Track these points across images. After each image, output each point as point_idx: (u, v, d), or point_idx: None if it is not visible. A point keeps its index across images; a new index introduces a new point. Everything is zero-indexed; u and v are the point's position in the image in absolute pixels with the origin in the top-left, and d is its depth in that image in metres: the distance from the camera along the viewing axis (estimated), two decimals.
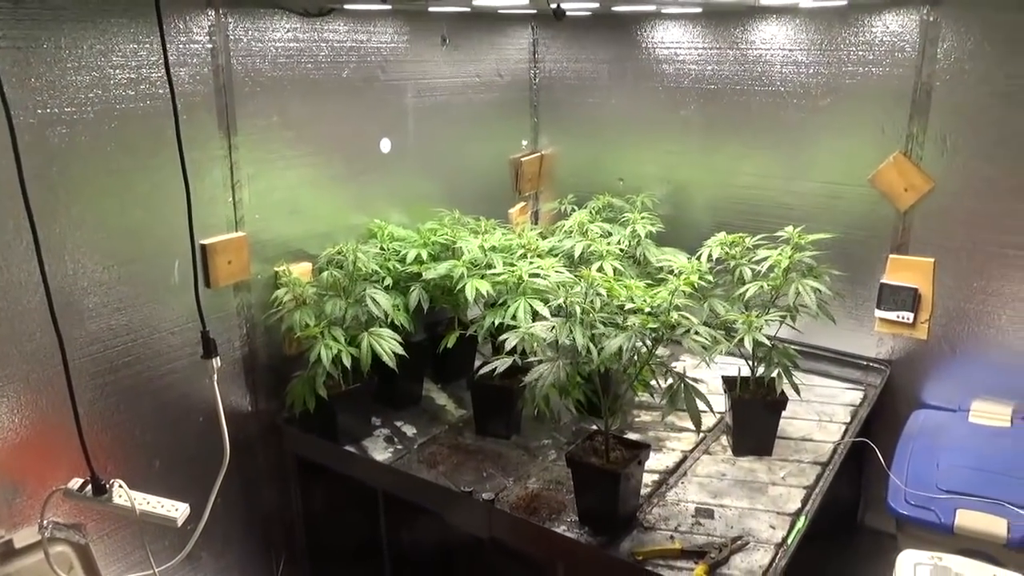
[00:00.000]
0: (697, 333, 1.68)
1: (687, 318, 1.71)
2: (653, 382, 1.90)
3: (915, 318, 2.52)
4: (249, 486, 2.32)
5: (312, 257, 2.36)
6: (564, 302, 1.68)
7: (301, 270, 2.32)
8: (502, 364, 1.79)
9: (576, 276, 1.83)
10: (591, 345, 1.63)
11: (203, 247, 2.05)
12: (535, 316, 2.03)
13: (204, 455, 2.05)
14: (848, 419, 2.43)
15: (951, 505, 2.02)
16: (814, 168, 2.62)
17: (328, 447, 2.24)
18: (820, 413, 2.46)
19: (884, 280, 2.54)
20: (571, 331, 1.63)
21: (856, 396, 2.58)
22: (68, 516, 1.83)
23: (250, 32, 2.06)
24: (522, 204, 3.15)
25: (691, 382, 1.69)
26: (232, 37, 2.02)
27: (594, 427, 1.95)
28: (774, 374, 2.00)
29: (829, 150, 2.59)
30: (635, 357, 1.68)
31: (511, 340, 1.73)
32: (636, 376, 1.75)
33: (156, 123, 1.86)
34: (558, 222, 2.63)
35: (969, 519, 1.96)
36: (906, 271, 2.51)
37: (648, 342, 1.67)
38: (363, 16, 2.37)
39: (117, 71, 1.80)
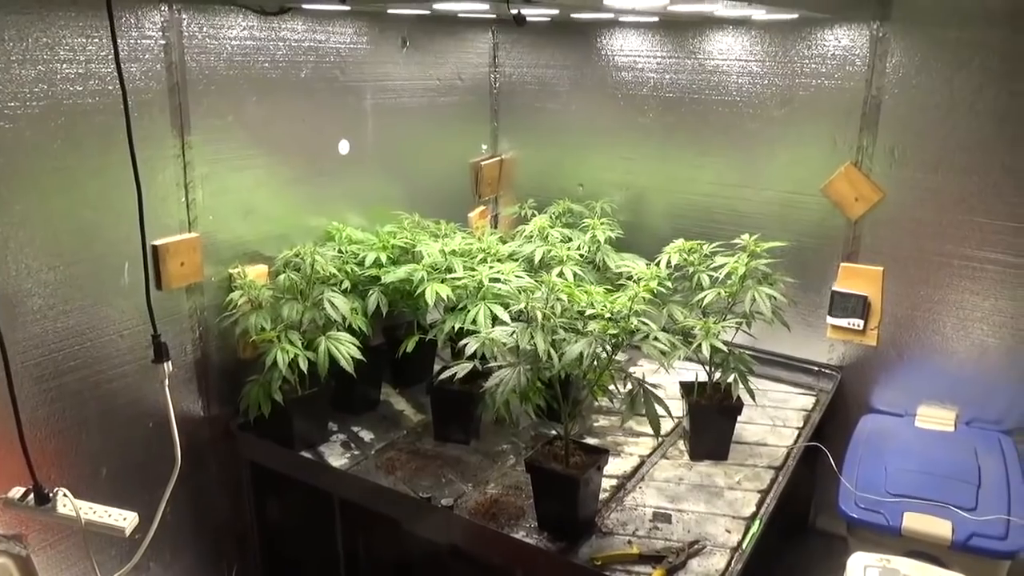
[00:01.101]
0: (656, 339, 1.70)
1: (646, 323, 1.72)
2: (612, 387, 1.91)
3: (865, 325, 2.58)
4: (201, 494, 2.26)
5: (268, 259, 2.32)
6: (525, 307, 1.67)
7: (257, 272, 2.27)
8: (462, 369, 1.78)
9: (537, 281, 1.82)
10: (552, 351, 1.63)
11: (155, 248, 1.99)
12: (495, 321, 2.03)
13: (154, 462, 2.00)
14: (801, 424, 2.48)
15: (899, 508, 2.07)
16: (769, 177, 2.67)
17: (283, 453, 2.20)
18: (774, 418, 2.50)
19: (835, 288, 2.60)
20: (532, 337, 1.63)
21: (808, 401, 2.64)
22: (8, 526, 1.76)
23: (205, 29, 2.02)
24: (482, 208, 3.14)
25: (650, 388, 1.70)
26: (186, 33, 1.98)
27: (553, 432, 1.96)
28: (730, 379, 2.02)
29: (784, 160, 2.64)
30: (595, 363, 1.68)
31: (471, 345, 1.72)
32: (596, 382, 1.75)
33: (106, 120, 1.81)
34: (518, 227, 2.63)
35: (916, 521, 2.01)
36: (856, 279, 2.57)
37: (608, 348, 1.68)
38: (321, 16, 2.34)
39: (64, 65, 1.74)
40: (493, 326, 1.97)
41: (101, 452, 1.96)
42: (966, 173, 2.32)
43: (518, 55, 3.08)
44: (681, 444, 2.31)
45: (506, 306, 2.01)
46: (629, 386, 1.70)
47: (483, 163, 3.12)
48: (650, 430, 1.77)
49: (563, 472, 1.82)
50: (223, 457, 2.30)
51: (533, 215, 2.76)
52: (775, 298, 2.03)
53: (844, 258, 2.59)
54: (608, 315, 1.64)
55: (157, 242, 1.99)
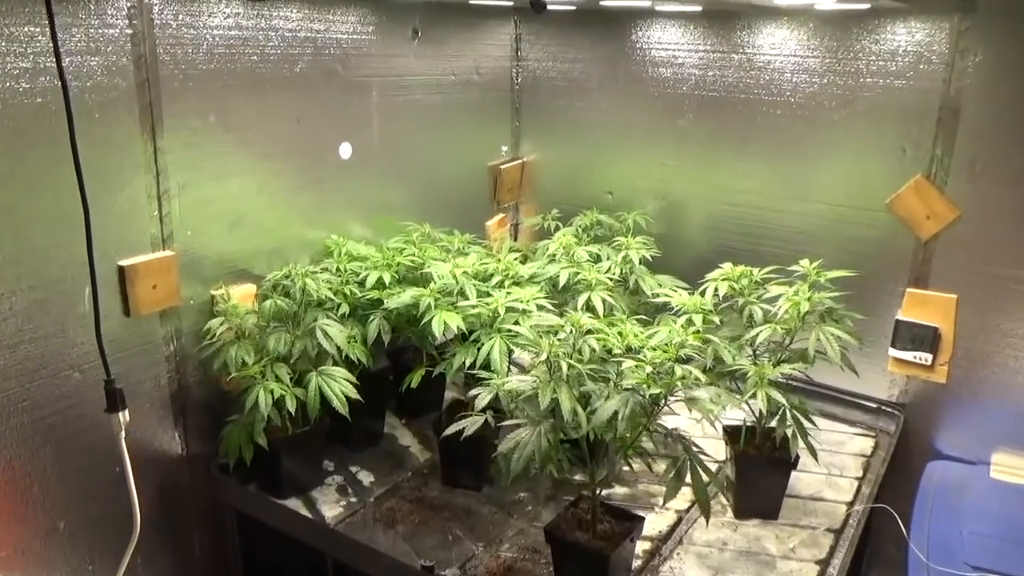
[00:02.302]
0: (703, 395, 1.40)
1: (691, 372, 1.43)
2: (647, 442, 1.61)
3: (934, 359, 2.27)
4: (178, 544, 2.00)
5: (257, 278, 2.05)
6: (548, 355, 1.38)
7: (243, 293, 2.01)
8: (472, 424, 1.50)
9: (560, 313, 1.53)
10: (579, 409, 1.34)
11: (121, 269, 1.73)
12: (511, 357, 1.75)
13: (120, 513, 1.73)
14: (860, 472, 2.17)
15: None
16: (824, 189, 2.36)
17: (267, 503, 1.93)
18: (828, 465, 2.19)
19: (900, 317, 2.28)
20: (555, 391, 1.34)
21: (867, 444, 2.33)
22: None
23: (180, 16, 1.74)
24: (500, 216, 2.86)
25: (697, 452, 1.41)
26: (158, 22, 1.70)
27: (577, 478, 1.66)
28: (787, 432, 1.72)
29: (842, 170, 2.32)
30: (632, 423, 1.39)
31: (483, 397, 1.43)
32: (630, 445, 1.46)
33: (61, 123, 1.53)
34: (541, 241, 2.35)
35: None
36: (925, 307, 2.26)
37: (647, 405, 1.39)
38: (319, 2, 2.06)
39: (8, 59, 1.47)
40: (509, 362, 1.70)
41: (58, 504, 1.71)
42: None
43: (543, 48, 2.78)
44: (722, 497, 2.01)
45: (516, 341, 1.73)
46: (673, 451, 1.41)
47: (503, 167, 2.83)
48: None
49: (589, 545, 1.54)
50: (204, 502, 2.04)
51: (557, 227, 2.47)
52: (841, 338, 1.72)
53: (911, 283, 2.27)
54: (648, 368, 1.35)
55: (124, 262, 1.73)
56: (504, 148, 2.86)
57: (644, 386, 1.36)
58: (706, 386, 1.42)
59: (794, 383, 1.91)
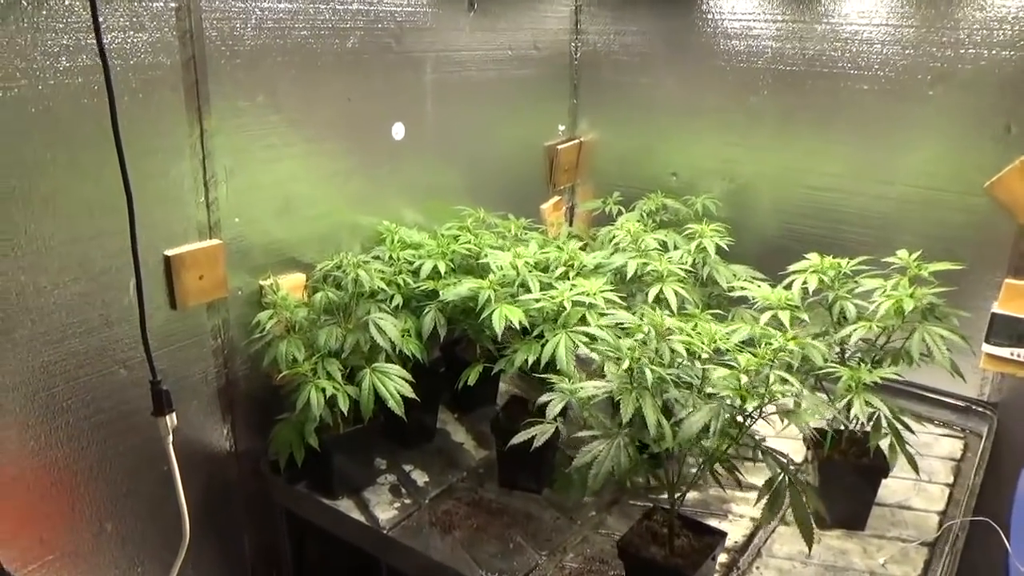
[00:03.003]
0: (802, 408, 1.26)
1: (788, 380, 1.28)
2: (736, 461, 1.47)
3: None
4: (227, 544, 1.93)
5: (307, 266, 1.95)
6: (629, 365, 1.25)
7: (293, 283, 1.91)
8: (542, 434, 1.37)
9: (629, 308, 1.40)
10: (663, 421, 1.21)
11: (167, 259, 1.64)
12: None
13: (169, 513, 1.66)
14: (950, 478, 2.01)
15: None
16: (913, 171, 2.17)
17: (318, 504, 1.84)
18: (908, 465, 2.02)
19: (996, 310, 2.09)
20: (638, 401, 1.21)
21: (956, 446, 2.16)
22: None
23: None
24: (556, 199, 2.71)
25: (797, 475, 1.27)
26: None
27: (640, 480, 1.53)
28: (883, 443, 1.57)
29: (934, 150, 2.13)
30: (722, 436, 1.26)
31: (555, 404, 1.31)
32: (718, 460, 1.32)
33: (104, 104, 1.43)
34: (601, 226, 2.20)
35: None
36: None
37: (740, 418, 1.25)
38: None
39: (47, 36, 1.37)
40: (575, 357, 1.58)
41: (104, 506, 1.64)
42: None
43: (604, 20, 2.61)
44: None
45: (593, 338, 1.60)
46: (768, 472, 1.27)
47: (560, 147, 2.68)
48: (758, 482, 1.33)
49: (666, 563, 1.42)
50: (254, 500, 1.96)
51: (620, 212, 2.33)
52: (948, 339, 1.55)
53: (1010, 273, 2.08)
54: (744, 379, 1.20)
55: (170, 252, 1.64)
56: (561, 127, 2.71)
57: (736, 396, 1.22)
58: (802, 395, 1.27)
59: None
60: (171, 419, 1.38)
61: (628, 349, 1.25)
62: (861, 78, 2.17)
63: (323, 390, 1.65)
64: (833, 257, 1.77)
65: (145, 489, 1.69)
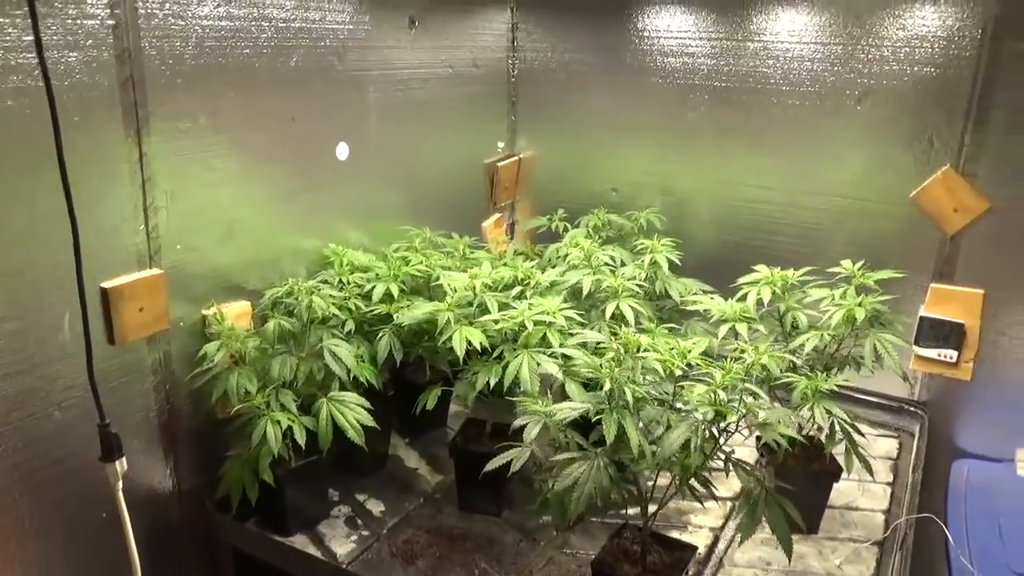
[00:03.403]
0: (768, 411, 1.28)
1: (758, 395, 1.31)
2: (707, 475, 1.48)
3: (959, 356, 2.19)
4: None
5: (251, 293, 1.87)
6: (610, 386, 1.24)
7: (238, 311, 1.82)
8: (518, 458, 1.35)
9: (608, 334, 1.40)
10: (643, 441, 1.21)
11: (104, 292, 1.53)
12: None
13: (109, 563, 1.56)
14: (890, 477, 2.10)
15: None
16: (843, 183, 2.27)
17: (270, 542, 1.76)
18: (858, 469, 2.10)
19: (924, 313, 2.21)
20: (620, 423, 1.21)
21: (891, 445, 2.25)
22: None
23: (167, 5, 1.55)
24: (497, 216, 2.70)
25: (771, 488, 1.29)
26: (142, 11, 1.50)
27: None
28: (838, 448, 1.62)
29: (863, 163, 2.23)
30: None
31: (532, 428, 1.29)
32: (692, 475, 1.33)
33: (34, 127, 1.34)
34: (542, 243, 2.21)
35: None
36: (950, 303, 2.18)
37: (716, 433, 1.26)
38: None
39: None
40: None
41: (38, 558, 1.51)
42: None
43: (540, 37, 2.62)
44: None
45: (556, 356, 1.59)
46: (740, 482, 1.29)
47: (499, 164, 2.67)
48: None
49: None
50: (200, 542, 1.86)
51: (566, 228, 2.33)
52: (898, 345, 1.62)
53: (935, 278, 2.20)
54: (720, 395, 1.22)
55: (107, 284, 1.54)
56: (500, 144, 2.71)
57: (710, 411, 1.24)
58: (771, 408, 1.30)
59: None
60: (121, 464, 1.28)
61: (606, 369, 1.25)
62: (792, 94, 2.26)
63: (279, 423, 1.58)
64: (770, 267, 1.82)
65: (85, 538, 1.57)
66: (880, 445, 2.25)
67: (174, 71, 1.58)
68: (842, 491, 2.00)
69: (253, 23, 1.73)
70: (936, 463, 2.24)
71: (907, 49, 2.08)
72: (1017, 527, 1.90)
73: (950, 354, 2.19)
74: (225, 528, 1.83)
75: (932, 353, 2.22)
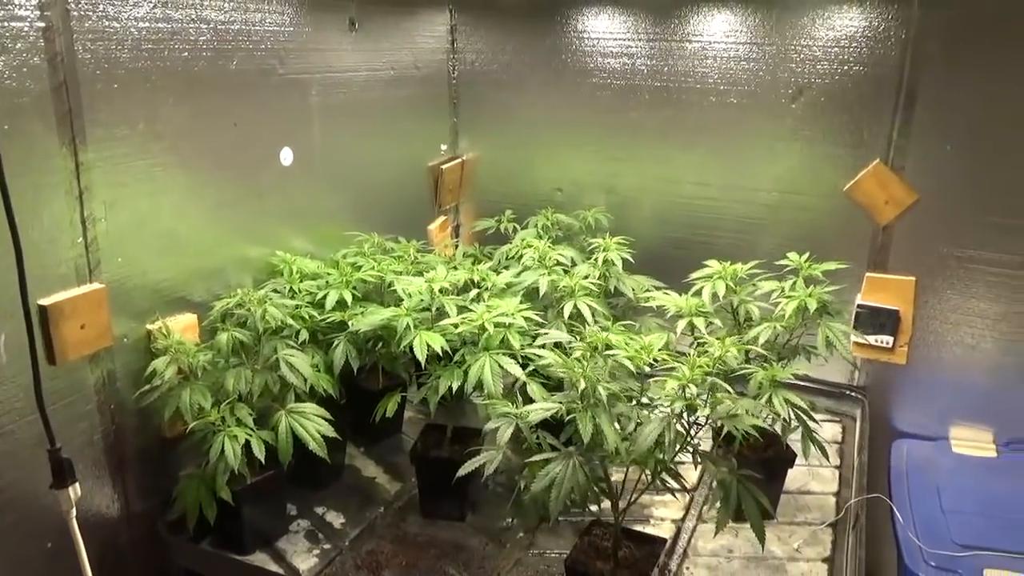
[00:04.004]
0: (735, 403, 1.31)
1: (727, 391, 1.33)
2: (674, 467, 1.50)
3: (895, 342, 2.29)
4: None
5: (196, 306, 1.80)
6: (584, 385, 1.25)
7: (184, 325, 1.75)
8: (491, 461, 1.34)
9: (576, 336, 1.40)
10: (619, 442, 1.22)
11: (42, 309, 1.45)
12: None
13: None
14: (837, 460, 2.17)
15: (975, 564, 1.79)
16: (780, 178, 2.34)
17: (229, 562, 1.70)
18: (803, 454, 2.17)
19: (861, 301, 2.30)
20: (595, 422, 1.21)
21: (835, 430, 2.34)
22: None
23: (101, 6, 1.47)
24: (443, 219, 2.68)
25: (745, 477, 1.32)
26: (75, 13, 1.43)
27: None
28: (795, 436, 1.67)
29: (797, 158, 2.31)
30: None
31: (504, 430, 1.28)
32: (664, 469, 1.35)
33: None
34: (487, 245, 2.21)
35: None
36: (884, 291, 2.28)
37: (685, 427, 1.28)
38: None
39: None
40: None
41: None
42: (1014, 172, 2.05)
43: (480, 39, 2.62)
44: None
45: (516, 357, 1.59)
46: (713, 474, 1.31)
47: (443, 166, 2.65)
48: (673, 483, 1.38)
49: None
50: (151, 566, 1.77)
51: (515, 229, 2.34)
52: (847, 333, 1.68)
53: (870, 267, 2.29)
54: (692, 389, 1.24)
55: (45, 301, 1.45)
56: (443, 147, 2.69)
57: (682, 405, 1.25)
58: (737, 400, 1.33)
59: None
60: (74, 490, 1.21)
61: (579, 368, 1.25)
62: (730, 92, 2.32)
63: (235, 438, 1.52)
64: (720, 261, 1.86)
65: (29, 571, 1.48)
66: (826, 430, 2.33)
67: (110, 75, 1.50)
68: (793, 477, 2.06)
69: (191, 25, 1.66)
70: (878, 445, 2.33)
71: (837, 49, 2.16)
72: (957, 502, 1.99)
73: (886, 340, 2.29)
74: (179, 550, 1.75)
75: (869, 339, 2.31)
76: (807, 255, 1.83)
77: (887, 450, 2.29)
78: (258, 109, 1.89)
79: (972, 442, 2.27)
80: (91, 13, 1.45)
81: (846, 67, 2.16)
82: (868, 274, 2.29)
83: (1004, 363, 2.19)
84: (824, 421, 2.38)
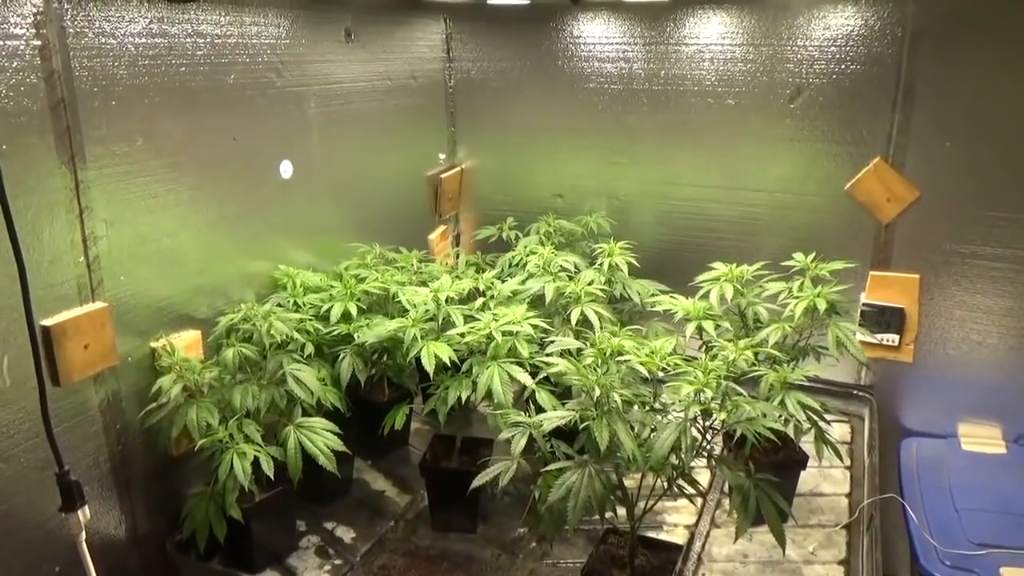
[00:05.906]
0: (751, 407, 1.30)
1: (740, 394, 1.32)
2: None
3: (900, 340, 2.29)
4: None
5: (200, 322, 1.78)
6: (599, 392, 1.23)
7: (187, 342, 1.73)
8: (506, 471, 1.32)
9: (585, 342, 1.39)
10: (636, 449, 1.20)
11: (45, 330, 1.43)
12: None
13: None
14: (848, 461, 2.16)
15: (992, 562, 1.78)
16: (780, 178, 2.34)
17: None
18: (815, 456, 2.16)
19: (865, 300, 2.29)
20: (611, 429, 1.19)
21: (844, 430, 2.32)
22: None
23: (97, 23, 1.46)
24: (443, 228, 2.67)
25: (764, 481, 1.30)
26: (71, 30, 1.41)
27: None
28: (808, 439, 1.65)
29: (798, 158, 2.30)
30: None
31: (518, 439, 1.27)
32: (680, 475, 1.33)
33: None
34: (488, 253, 2.20)
35: None
36: (889, 289, 2.27)
37: (701, 433, 1.27)
38: (249, 2, 1.81)
39: None
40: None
41: None
42: (1014, 166, 2.04)
43: (475, 47, 2.61)
44: (727, 504, 1.94)
45: (525, 366, 1.57)
46: (730, 479, 1.29)
47: (442, 176, 2.64)
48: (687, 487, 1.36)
49: None
50: None
51: (517, 237, 2.32)
52: (857, 333, 1.67)
53: (874, 266, 2.28)
54: (709, 394, 1.22)
55: (48, 322, 1.43)
56: (442, 156, 2.67)
57: (697, 409, 1.24)
58: (752, 403, 1.31)
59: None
60: (84, 513, 1.19)
61: (592, 375, 1.24)
62: (728, 94, 2.31)
63: (244, 455, 1.50)
64: (726, 263, 1.85)
65: None
66: (834, 430, 2.30)
67: (108, 92, 1.49)
68: (804, 478, 2.04)
69: (188, 39, 1.65)
70: (887, 444, 2.32)
71: (834, 48, 2.16)
72: (970, 500, 1.98)
73: (892, 338, 2.28)
74: (188, 570, 1.73)
75: (875, 338, 2.30)
76: (813, 255, 1.82)
77: (896, 449, 2.28)
78: (257, 122, 1.87)
79: (981, 439, 2.26)
80: (87, 30, 1.44)
81: (844, 66, 2.16)
82: (872, 272, 2.28)
83: (1011, 358, 2.18)
84: (833, 421, 2.36)
